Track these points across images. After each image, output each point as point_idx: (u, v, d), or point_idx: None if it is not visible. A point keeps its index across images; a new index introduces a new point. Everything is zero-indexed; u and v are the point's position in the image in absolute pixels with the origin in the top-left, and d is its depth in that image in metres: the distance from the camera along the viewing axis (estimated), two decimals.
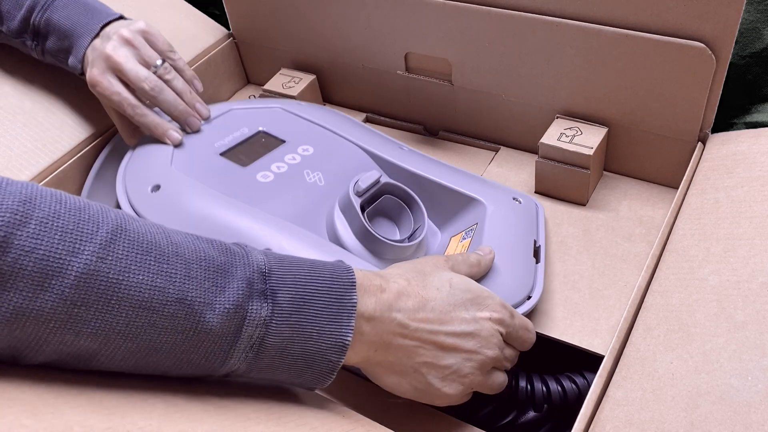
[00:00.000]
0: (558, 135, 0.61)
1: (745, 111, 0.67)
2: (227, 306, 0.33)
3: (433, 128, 0.75)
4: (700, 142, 0.58)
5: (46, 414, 0.26)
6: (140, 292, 0.31)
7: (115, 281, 0.30)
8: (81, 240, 0.30)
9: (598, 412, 0.41)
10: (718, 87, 0.55)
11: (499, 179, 0.67)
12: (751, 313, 0.42)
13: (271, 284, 0.35)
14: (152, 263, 0.32)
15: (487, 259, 0.49)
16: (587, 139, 0.60)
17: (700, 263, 0.47)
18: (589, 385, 0.48)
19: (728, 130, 0.59)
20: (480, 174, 0.68)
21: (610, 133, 0.62)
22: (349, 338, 0.37)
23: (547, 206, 0.63)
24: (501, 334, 0.44)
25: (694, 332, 0.43)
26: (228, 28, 0.83)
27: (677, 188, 0.56)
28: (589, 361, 0.50)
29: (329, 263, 0.39)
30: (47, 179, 0.63)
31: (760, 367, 0.39)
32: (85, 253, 0.29)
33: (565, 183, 0.61)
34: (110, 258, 0.30)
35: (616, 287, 0.54)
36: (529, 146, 0.69)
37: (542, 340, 0.53)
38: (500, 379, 0.45)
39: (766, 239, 0.46)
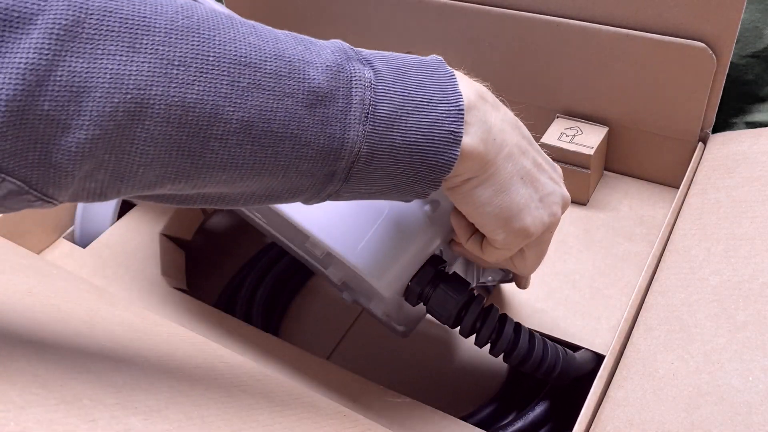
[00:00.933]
0: (558, 135, 0.60)
1: (746, 111, 0.67)
2: (328, 64, 0.30)
3: None
4: (700, 142, 0.58)
5: (55, 386, 0.26)
6: (236, 47, 0.28)
7: (207, 37, 0.27)
8: (161, 2, 0.27)
9: (598, 413, 0.41)
10: (719, 87, 0.55)
11: None
12: (752, 313, 0.42)
13: (364, 55, 0.32)
14: (237, 25, 0.29)
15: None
16: (588, 139, 0.60)
17: (701, 263, 0.47)
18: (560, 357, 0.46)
19: (729, 130, 0.58)
20: None
21: (610, 132, 0.62)
22: (462, 103, 0.32)
23: None
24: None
25: (694, 332, 0.43)
26: None
27: (678, 188, 0.56)
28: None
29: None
30: None
31: (761, 368, 0.39)
32: (169, 12, 0.26)
33: (565, 183, 0.61)
34: (195, 17, 0.27)
35: (616, 287, 0.54)
36: None
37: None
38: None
39: (767, 239, 0.46)
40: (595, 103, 0.61)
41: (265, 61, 0.28)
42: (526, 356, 0.45)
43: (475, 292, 0.46)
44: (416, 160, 0.32)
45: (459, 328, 0.45)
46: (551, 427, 0.52)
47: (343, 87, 0.30)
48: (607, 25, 0.56)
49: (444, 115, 0.32)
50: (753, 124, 0.65)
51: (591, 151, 0.58)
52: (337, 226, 0.44)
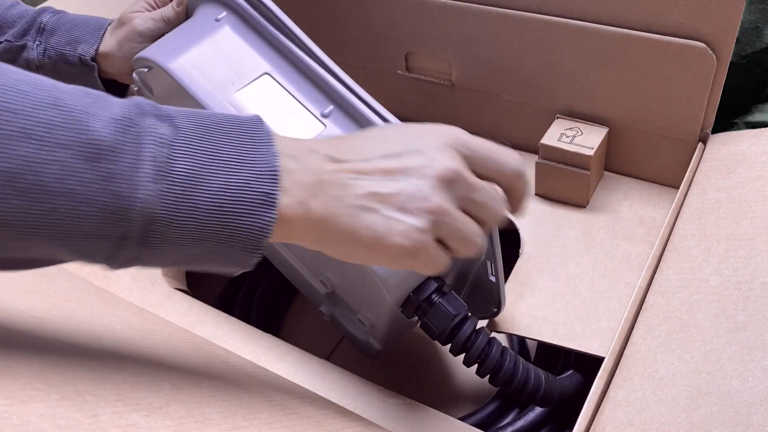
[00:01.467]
0: (558, 135, 0.60)
1: (746, 111, 0.67)
2: (115, 117, 0.27)
3: None
4: (700, 142, 0.58)
5: (57, 381, 0.26)
6: (1, 93, 0.25)
7: None
8: None
9: (598, 413, 0.41)
10: (719, 87, 0.55)
11: None
12: (752, 313, 0.42)
13: (165, 112, 0.30)
14: (11, 73, 0.26)
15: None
16: (588, 140, 0.60)
17: (701, 264, 0.47)
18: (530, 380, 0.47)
19: (729, 130, 0.58)
20: None
21: (610, 133, 0.62)
22: (277, 163, 0.30)
23: (548, 209, 0.63)
24: (458, 154, 0.35)
25: (694, 333, 0.43)
26: None
27: (678, 188, 0.56)
28: (590, 362, 0.50)
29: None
30: None
31: (761, 368, 0.39)
32: None
33: (565, 184, 0.61)
34: None
35: (616, 288, 0.54)
36: (529, 146, 0.69)
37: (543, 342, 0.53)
38: (471, 224, 0.35)
39: (766, 239, 0.46)
40: (595, 104, 0.61)
41: (37, 108, 0.26)
42: (510, 379, 0.46)
43: (469, 313, 0.47)
44: (227, 224, 0.29)
45: (450, 345, 0.46)
46: (551, 427, 0.52)
47: (131, 142, 0.27)
48: (607, 25, 0.56)
49: (256, 176, 0.30)
50: (753, 124, 0.65)
51: (591, 152, 0.58)
52: None
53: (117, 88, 0.64)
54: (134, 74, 0.57)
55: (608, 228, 0.60)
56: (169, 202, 0.28)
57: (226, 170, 0.29)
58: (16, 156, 0.25)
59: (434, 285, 0.46)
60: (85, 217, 0.27)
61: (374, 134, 0.35)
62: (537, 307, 0.54)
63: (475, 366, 0.47)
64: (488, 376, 0.47)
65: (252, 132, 0.31)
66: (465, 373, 0.61)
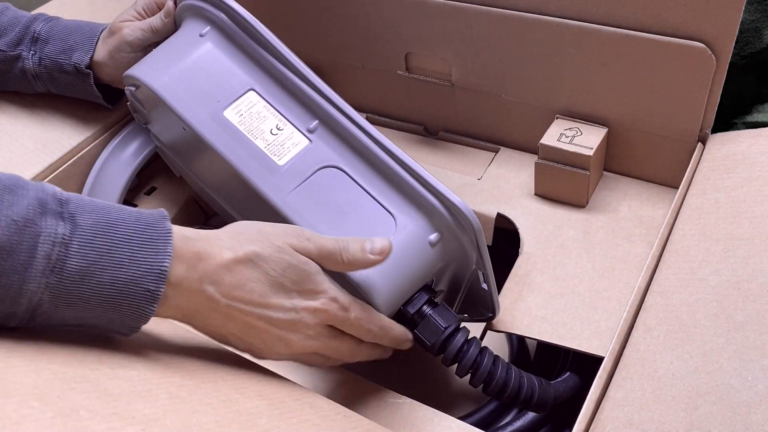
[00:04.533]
0: (558, 135, 0.61)
1: (745, 111, 0.67)
2: (14, 218, 0.30)
3: (433, 128, 0.75)
4: (700, 142, 0.58)
5: (51, 397, 0.26)
6: None
7: None
8: None
9: (598, 413, 0.41)
10: (718, 87, 0.55)
11: (499, 181, 0.67)
12: (751, 313, 0.42)
13: (69, 209, 0.33)
14: None
15: (368, 259, 0.43)
16: (587, 140, 0.60)
17: (700, 263, 0.47)
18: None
19: (728, 130, 0.58)
20: (480, 176, 0.68)
21: (610, 133, 0.62)
22: (166, 264, 0.34)
23: (547, 209, 0.63)
24: (329, 327, 0.42)
25: (694, 332, 0.43)
26: None
27: (677, 188, 0.56)
28: (590, 362, 0.50)
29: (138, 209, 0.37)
30: (47, 179, 0.63)
31: (760, 368, 0.39)
32: None
33: (564, 184, 0.61)
34: None
35: (616, 288, 0.54)
36: (529, 146, 0.69)
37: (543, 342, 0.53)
38: (319, 362, 0.44)
39: (766, 239, 0.46)
40: (594, 104, 0.61)
41: None
42: (503, 388, 0.47)
43: (460, 324, 0.47)
44: (110, 311, 0.33)
45: (442, 357, 0.47)
46: (551, 427, 0.52)
47: (27, 242, 0.31)
48: (607, 25, 0.56)
49: (143, 274, 0.33)
50: (753, 124, 0.65)
51: (590, 152, 0.58)
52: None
53: (113, 92, 0.65)
54: (126, 89, 0.58)
55: (607, 228, 0.60)
56: (57, 293, 0.32)
57: (117, 266, 0.33)
58: None
59: (425, 297, 0.47)
60: None
61: (269, 282, 0.40)
62: (536, 306, 0.54)
63: (468, 375, 0.47)
64: (481, 386, 0.47)
65: (152, 230, 0.35)
66: None
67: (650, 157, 0.62)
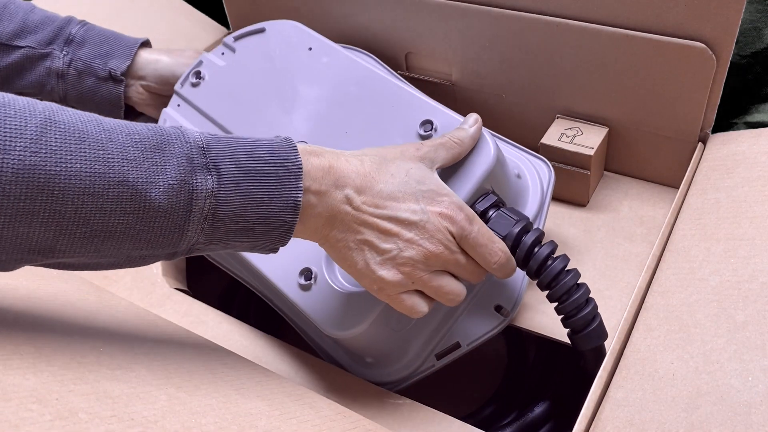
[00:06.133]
0: (558, 135, 0.60)
1: (746, 111, 0.67)
2: (171, 182, 0.34)
3: None
4: (700, 142, 0.58)
5: (50, 400, 0.26)
6: (81, 180, 0.31)
7: (53, 173, 0.30)
8: (10, 137, 0.30)
9: (598, 413, 0.41)
10: (719, 87, 0.55)
11: None
12: (751, 313, 0.42)
13: (212, 157, 0.36)
14: (87, 151, 0.32)
15: (472, 132, 0.46)
16: (588, 140, 0.60)
17: (701, 263, 0.47)
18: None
19: (729, 130, 0.58)
20: None
21: (610, 133, 0.62)
22: (299, 198, 0.38)
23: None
24: (452, 234, 0.42)
25: (694, 333, 0.43)
26: (228, 28, 0.83)
27: (678, 188, 0.56)
28: None
29: (268, 138, 0.39)
30: None
31: (761, 368, 0.39)
32: (17, 149, 0.30)
33: (565, 184, 0.61)
34: (44, 151, 0.30)
35: (616, 288, 0.54)
36: (529, 146, 0.69)
37: (543, 340, 0.53)
38: (452, 286, 0.43)
39: (766, 239, 0.46)
40: (595, 104, 0.61)
41: (108, 188, 0.32)
42: (568, 292, 0.45)
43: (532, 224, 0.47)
44: (254, 239, 0.38)
45: (516, 251, 0.45)
46: (551, 427, 0.52)
47: (183, 200, 0.35)
48: (607, 25, 0.56)
49: (280, 209, 0.38)
50: (753, 124, 0.65)
51: (591, 152, 0.58)
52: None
53: (128, 110, 0.65)
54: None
55: (608, 227, 0.60)
56: (209, 234, 0.36)
57: (258, 205, 0.37)
58: (94, 223, 0.32)
59: (493, 198, 0.47)
60: (147, 246, 0.35)
61: (394, 184, 0.42)
62: (538, 301, 0.54)
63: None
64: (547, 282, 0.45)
65: (284, 168, 0.38)
66: (465, 373, 0.61)
67: (651, 157, 0.62)
